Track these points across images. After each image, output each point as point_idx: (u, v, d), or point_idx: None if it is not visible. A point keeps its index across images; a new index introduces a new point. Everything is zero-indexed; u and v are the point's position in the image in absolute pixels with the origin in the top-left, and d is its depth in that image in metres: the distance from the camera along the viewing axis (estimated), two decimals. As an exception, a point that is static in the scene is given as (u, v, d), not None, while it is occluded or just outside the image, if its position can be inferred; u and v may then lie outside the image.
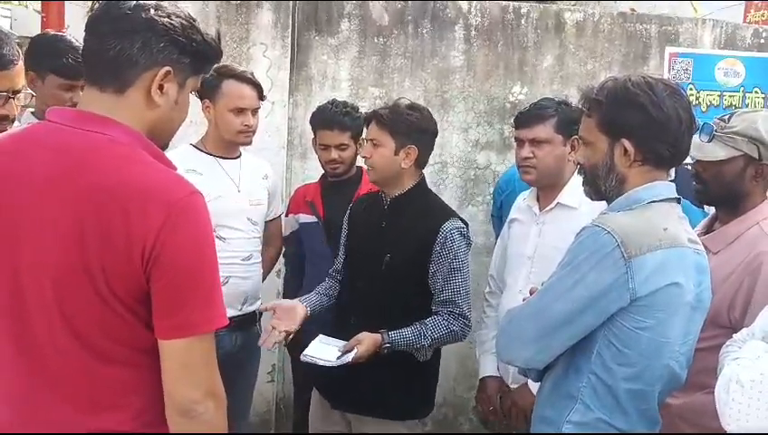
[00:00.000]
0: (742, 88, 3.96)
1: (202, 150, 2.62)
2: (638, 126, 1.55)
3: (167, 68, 1.28)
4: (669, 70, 3.84)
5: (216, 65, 2.50)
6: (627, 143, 1.56)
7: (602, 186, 1.62)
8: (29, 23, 3.26)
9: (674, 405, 1.76)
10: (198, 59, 1.33)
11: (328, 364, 2.14)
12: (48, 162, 1.24)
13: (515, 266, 2.42)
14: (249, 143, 2.66)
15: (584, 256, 1.50)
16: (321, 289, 2.51)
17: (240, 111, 2.56)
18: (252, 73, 2.66)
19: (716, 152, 1.89)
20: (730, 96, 3.95)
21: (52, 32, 2.78)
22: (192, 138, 2.72)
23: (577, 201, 2.28)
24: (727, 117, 1.93)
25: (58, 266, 1.21)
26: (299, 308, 2.32)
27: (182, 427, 1.26)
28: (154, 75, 1.28)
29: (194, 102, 3.40)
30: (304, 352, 2.21)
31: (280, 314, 2.28)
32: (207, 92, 2.54)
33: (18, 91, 1.85)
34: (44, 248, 1.22)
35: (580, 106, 1.68)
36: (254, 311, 2.71)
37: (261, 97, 2.65)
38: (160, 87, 1.29)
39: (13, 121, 1.88)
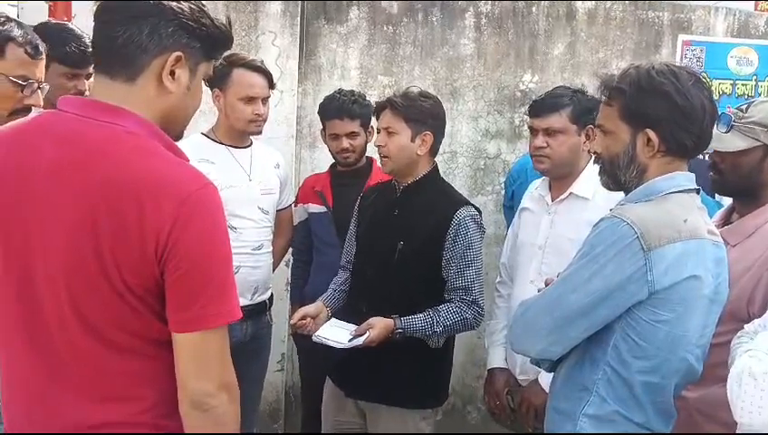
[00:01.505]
0: (754, 76, 3.92)
1: (213, 139, 2.61)
2: (663, 115, 1.51)
3: (177, 53, 1.26)
4: (682, 58, 3.81)
5: (225, 53, 2.50)
6: (651, 133, 1.53)
7: (622, 176, 1.58)
8: (36, 12, 3.24)
9: (690, 398, 1.75)
10: (209, 44, 1.31)
11: (339, 346, 2.14)
12: (60, 153, 1.22)
13: (526, 256, 2.41)
14: (259, 132, 2.65)
15: (602, 247, 1.48)
16: (338, 284, 2.51)
17: (250, 99, 2.55)
18: (262, 61, 2.65)
19: (735, 143, 1.85)
20: (742, 84, 3.92)
21: (54, 20, 2.77)
22: (203, 127, 2.71)
23: (590, 192, 2.26)
24: (744, 106, 1.89)
25: (70, 259, 1.20)
26: (323, 313, 2.38)
27: (196, 420, 1.25)
28: (165, 61, 1.25)
29: (205, 92, 3.39)
30: (316, 333, 2.22)
31: (310, 321, 2.34)
32: (217, 81, 2.52)
33: (41, 82, 1.85)
34: (56, 240, 1.21)
35: (598, 94, 1.65)
36: (265, 300, 2.71)
37: (271, 86, 2.64)
38: (172, 73, 1.26)
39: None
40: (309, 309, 2.37)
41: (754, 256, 1.81)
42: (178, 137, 1.37)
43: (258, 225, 2.62)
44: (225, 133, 2.61)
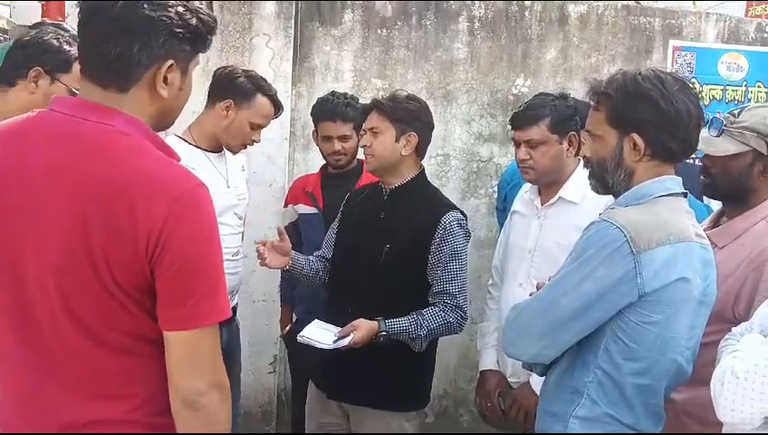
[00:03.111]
0: (745, 82, 3.95)
1: (190, 143, 2.52)
2: (648, 120, 1.54)
3: (169, 61, 1.26)
4: (673, 63, 3.84)
5: (252, 74, 2.54)
6: (637, 137, 1.56)
7: (610, 180, 1.61)
8: (29, 12, 3.24)
9: (678, 400, 1.76)
10: (197, 41, 1.31)
11: (324, 347, 2.15)
12: (53, 153, 1.22)
13: (516, 260, 2.42)
14: (236, 153, 2.63)
15: (593, 250, 1.50)
16: (312, 261, 2.48)
17: (258, 127, 2.55)
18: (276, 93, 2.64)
19: (725, 147, 1.87)
20: (733, 90, 3.95)
21: (49, 21, 2.77)
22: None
23: (579, 196, 2.28)
24: (737, 111, 1.91)
25: (62, 258, 1.20)
26: (287, 247, 2.37)
27: (187, 418, 1.26)
28: (157, 70, 1.26)
29: (199, 93, 3.35)
30: (301, 334, 2.22)
31: (271, 249, 2.34)
32: (235, 95, 2.48)
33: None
34: (49, 239, 1.21)
35: (587, 99, 1.67)
36: (235, 305, 2.70)
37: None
38: (164, 79, 1.27)
39: None
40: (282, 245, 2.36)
41: (740, 257, 1.83)
42: (168, 126, 1.39)
43: (235, 231, 2.59)
44: (205, 138, 2.53)
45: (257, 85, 2.52)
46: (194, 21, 1.28)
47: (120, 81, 1.25)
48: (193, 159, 2.48)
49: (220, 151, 2.59)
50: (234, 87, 2.48)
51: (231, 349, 2.68)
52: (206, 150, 2.54)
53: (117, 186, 1.19)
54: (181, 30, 1.26)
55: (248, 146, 2.59)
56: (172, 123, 1.40)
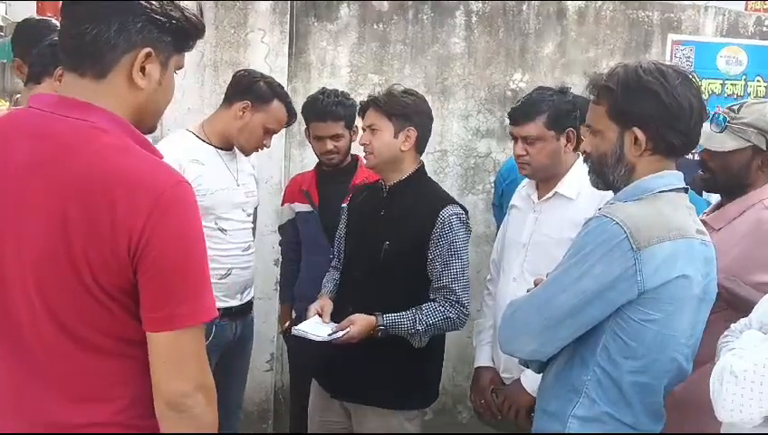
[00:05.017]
0: (744, 76, 3.93)
1: (203, 140, 2.56)
2: (650, 114, 1.51)
3: (147, 49, 1.23)
4: (671, 58, 3.82)
5: (272, 81, 2.59)
6: (638, 132, 1.53)
7: (610, 175, 1.58)
8: (25, 9, 3.22)
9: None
10: (180, 37, 1.28)
11: (318, 339, 2.14)
12: (31, 150, 1.20)
13: (511, 254, 2.40)
14: (248, 156, 2.68)
15: (591, 246, 1.48)
16: (331, 279, 2.50)
17: (271, 131, 2.60)
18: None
19: (726, 143, 1.89)
20: (732, 84, 3.93)
21: (37, 17, 2.76)
22: (189, 125, 2.67)
23: (575, 192, 2.26)
24: (736, 107, 1.93)
25: (41, 256, 1.18)
26: (329, 305, 2.35)
27: (172, 421, 1.23)
28: (134, 57, 1.23)
29: (193, 89, 3.35)
30: (296, 327, 2.21)
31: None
32: (254, 97, 2.54)
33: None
34: (29, 237, 1.18)
35: (587, 93, 1.64)
36: (251, 299, 2.73)
37: None
38: (142, 69, 1.24)
39: None
40: (321, 306, 2.33)
41: (739, 235, 1.86)
42: (151, 130, 1.35)
43: (244, 226, 2.62)
44: (218, 136, 2.57)
45: (275, 91, 2.60)
46: (176, 14, 1.25)
47: (96, 66, 1.22)
48: (205, 155, 2.52)
49: (231, 150, 2.63)
50: (253, 90, 2.55)
51: (244, 342, 2.75)
52: (216, 148, 2.58)
53: (95, 183, 1.16)
54: (161, 18, 1.23)
55: (259, 150, 2.64)
56: (154, 125, 1.36)
